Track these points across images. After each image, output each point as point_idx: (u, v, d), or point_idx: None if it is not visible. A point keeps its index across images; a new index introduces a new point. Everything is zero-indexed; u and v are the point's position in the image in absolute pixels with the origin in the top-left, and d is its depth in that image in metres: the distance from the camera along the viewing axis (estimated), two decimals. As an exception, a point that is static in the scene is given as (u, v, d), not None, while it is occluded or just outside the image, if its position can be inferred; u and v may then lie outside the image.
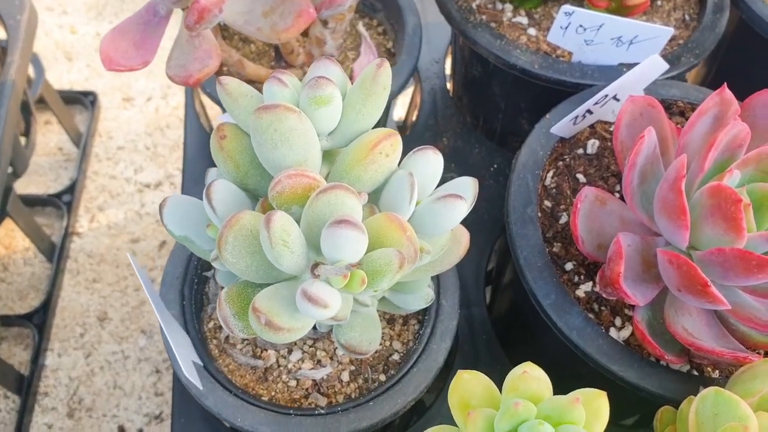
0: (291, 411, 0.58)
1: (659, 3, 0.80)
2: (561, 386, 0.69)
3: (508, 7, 0.78)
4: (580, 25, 0.68)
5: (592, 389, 0.44)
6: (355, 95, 0.51)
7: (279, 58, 0.85)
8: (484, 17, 0.77)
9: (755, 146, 0.57)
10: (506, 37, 0.74)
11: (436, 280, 0.65)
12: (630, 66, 0.71)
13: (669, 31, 0.67)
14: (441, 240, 0.55)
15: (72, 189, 1.16)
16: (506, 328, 0.74)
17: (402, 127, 1.02)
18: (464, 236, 0.59)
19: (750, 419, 0.46)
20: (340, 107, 0.50)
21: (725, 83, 0.58)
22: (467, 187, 0.54)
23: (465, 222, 0.83)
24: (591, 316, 0.59)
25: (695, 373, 0.57)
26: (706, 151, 0.55)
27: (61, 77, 1.34)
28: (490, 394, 0.43)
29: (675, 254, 0.52)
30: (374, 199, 0.53)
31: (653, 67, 0.62)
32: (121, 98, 1.31)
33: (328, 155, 0.54)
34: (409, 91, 1.05)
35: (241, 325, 0.48)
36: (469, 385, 0.43)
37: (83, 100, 1.26)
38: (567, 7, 0.67)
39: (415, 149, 0.53)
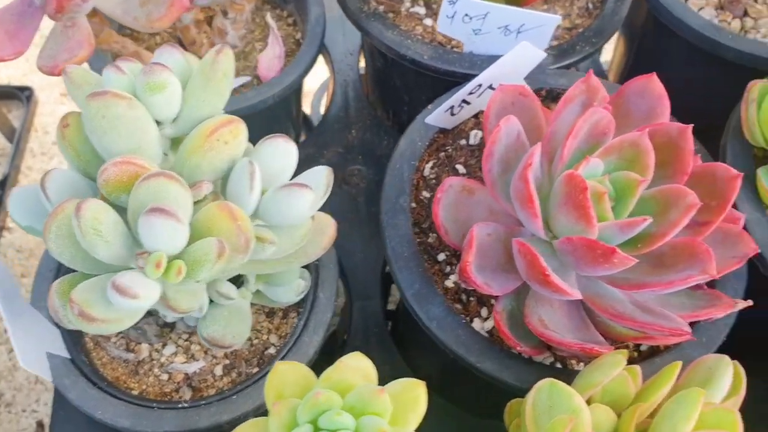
0: (154, 404, 0.58)
1: (561, -8, 0.79)
2: (445, 378, 0.68)
3: (408, -2, 0.77)
4: (466, 14, 0.67)
5: (411, 379, 0.43)
6: (195, 82, 0.50)
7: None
8: (381, 7, 0.76)
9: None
10: (400, 27, 0.74)
11: (315, 272, 0.64)
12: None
13: (555, 19, 0.66)
14: (299, 230, 0.55)
15: (3, 184, 1.16)
16: (397, 321, 0.73)
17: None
18: (330, 226, 0.58)
19: (581, 411, 0.45)
20: (177, 93, 0.49)
21: (591, 70, 0.57)
22: (320, 176, 0.53)
23: (369, 215, 0.83)
24: (458, 306, 0.58)
25: (559, 365, 0.57)
26: (566, 140, 0.54)
27: None
28: (306, 384, 0.42)
29: (521, 243, 0.51)
30: (224, 188, 0.52)
31: (528, 55, 0.61)
32: (59, 93, 1.30)
33: (177, 143, 0.53)
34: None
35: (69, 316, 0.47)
36: (284, 376, 0.43)
37: (19, 95, 1.26)
38: (450, -5, 0.66)
39: (265, 137, 0.52)
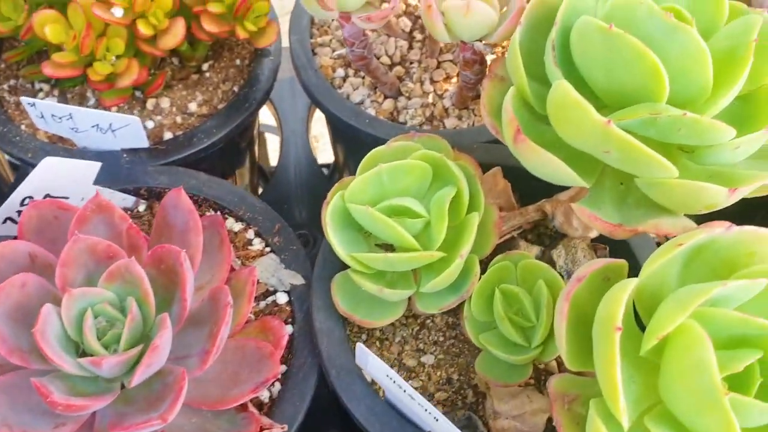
0: None
1: (208, 75, 0.76)
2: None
3: (46, 87, 0.75)
4: (53, 115, 0.65)
5: None
6: None
7: None
8: (13, 99, 0.74)
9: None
10: (13, 121, 0.71)
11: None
12: (130, 151, 0.68)
13: (134, 120, 0.64)
14: None
15: None
16: None
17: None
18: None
19: None
20: None
21: (98, 191, 0.55)
22: None
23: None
24: None
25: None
26: (57, 268, 0.51)
27: None
28: None
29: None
30: None
31: (70, 166, 0.58)
32: None
33: None
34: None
35: None
36: None
37: None
38: (27, 99, 0.64)
39: None
